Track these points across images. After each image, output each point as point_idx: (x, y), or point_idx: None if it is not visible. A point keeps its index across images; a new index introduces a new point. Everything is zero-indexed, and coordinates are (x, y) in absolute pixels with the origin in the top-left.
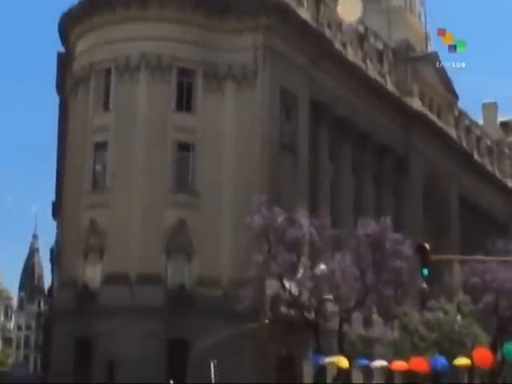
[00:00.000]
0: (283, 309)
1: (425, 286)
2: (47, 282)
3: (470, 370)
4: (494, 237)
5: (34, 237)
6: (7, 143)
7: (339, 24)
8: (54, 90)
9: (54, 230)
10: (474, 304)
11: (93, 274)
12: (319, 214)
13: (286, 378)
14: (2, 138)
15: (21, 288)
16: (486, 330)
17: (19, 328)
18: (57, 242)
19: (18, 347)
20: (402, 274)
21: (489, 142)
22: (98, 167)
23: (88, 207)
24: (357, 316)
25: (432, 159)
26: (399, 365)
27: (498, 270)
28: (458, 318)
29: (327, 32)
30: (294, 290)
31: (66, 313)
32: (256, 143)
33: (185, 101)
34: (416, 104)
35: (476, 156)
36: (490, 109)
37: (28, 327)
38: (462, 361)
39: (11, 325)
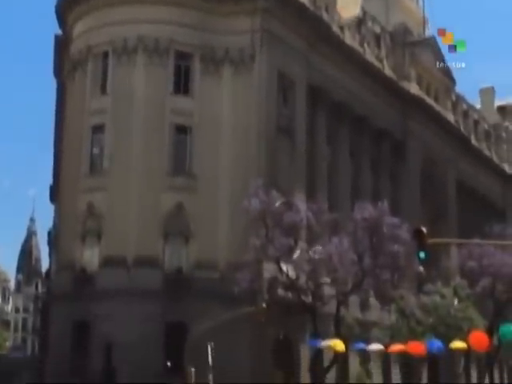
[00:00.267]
0: (280, 292)
1: (422, 269)
2: (45, 264)
3: (467, 353)
4: (491, 221)
5: (32, 220)
6: (5, 126)
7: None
8: (52, 72)
9: (52, 213)
10: (470, 288)
11: (90, 257)
12: (316, 197)
13: (282, 361)
14: (0, 122)
15: (18, 270)
16: (482, 313)
17: (17, 310)
18: (54, 225)
19: (15, 330)
20: (399, 258)
21: (486, 127)
22: (96, 150)
23: (85, 190)
24: (354, 299)
25: (429, 144)
26: (396, 348)
27: (495, 254)
28: (455, 301)
29: (325, 15)
30: (292, 274)
31: (64, 296)
32: (253, 127)
33: (182, 84)
34: (413, 88)
35: (473, 141)
36: (488, 93)
37: (25, 310)
38: (458, 344)
39: (9, 307)
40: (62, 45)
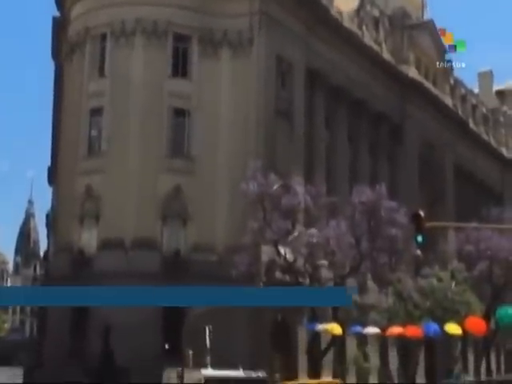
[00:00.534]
0: (278, 275)
1: (419, 253)
2: (43, 246)
3: (464, 337)
4: (488, 205)
5: (30, 202)
6: (3, 109)
7: None
8: (50, 54)
9: (50, 196)
10: (468, 271)
11: (88, 239)
12: (314, 181)
13: (280, 344)
14: None
15: (17, 252)
16: (479, 297)
17: None
18: (53, 207)
19: (13, 312)
20: (397, 242)
21: (484, 111)
22: (94, 133)
23: (84, 172)
24: (351, 282)
25: (427, 127)
26: (393, 331)
27: (492, 237)
28: (452, 285)
29: None
30: (289, 256)
31: (62, 278)
32: (251, 110)
33: (180, 66)
34: (412, 72)
35: (471, 124)
36: (486, 77)
37: None
38: (453, 328)
39: None
40: (60, 27)
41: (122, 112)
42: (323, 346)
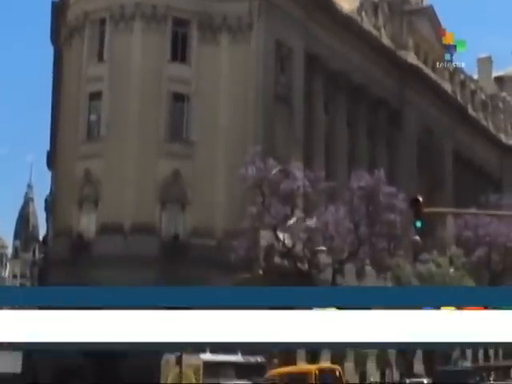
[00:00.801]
0: (277, 260)
1: (418, 238)
2: (42, 231)
3: None
4: (487, 191)
5: (29, 186)
6: (2, 93)
7: None
8: (49, 38)
9: (49, 180)
10: (466, 257)
11: (87, 223)
12: (313, 166)
13: None
14: None
15: (16, 236)
16: (477, 283)
17: (14, 276)
18: (52, 191)
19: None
20: (396, 227)
21: (483, 97)
22: (93, 117)
23: (82, 157)
24: (350, 267)
25: (426, 113)
26: None
27: (490, 223)
28: (451, 270)
29: None
30: (288, 241)
31: (61, 262)
32: (251, 95)
33: (180, 51)
34: (411, 58)
35: (470, 110)
36: (485, 63)
37: (23, 276)
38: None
39: (6, 273)
40: (59, 11)
41: (120, 97)
42: None
